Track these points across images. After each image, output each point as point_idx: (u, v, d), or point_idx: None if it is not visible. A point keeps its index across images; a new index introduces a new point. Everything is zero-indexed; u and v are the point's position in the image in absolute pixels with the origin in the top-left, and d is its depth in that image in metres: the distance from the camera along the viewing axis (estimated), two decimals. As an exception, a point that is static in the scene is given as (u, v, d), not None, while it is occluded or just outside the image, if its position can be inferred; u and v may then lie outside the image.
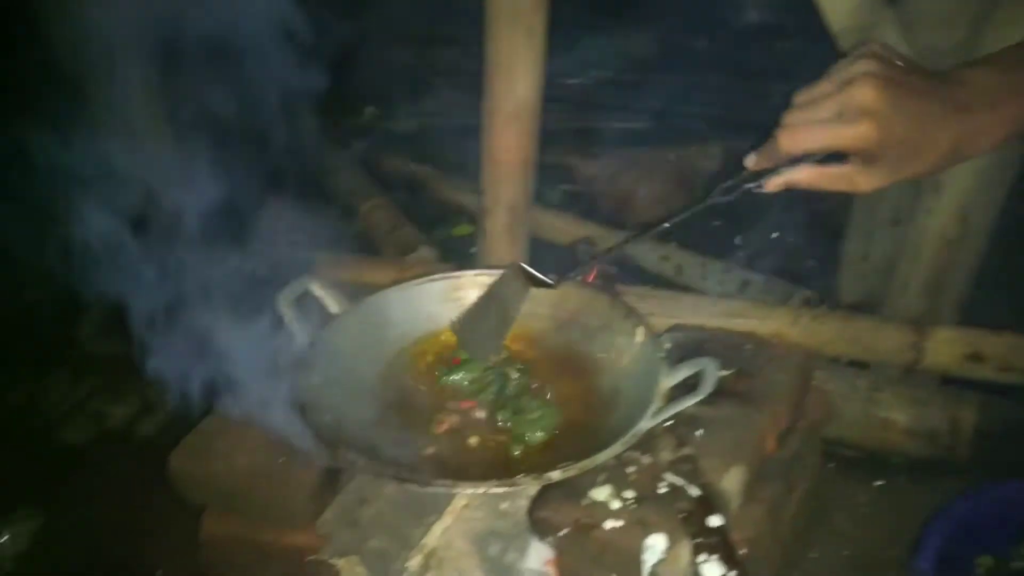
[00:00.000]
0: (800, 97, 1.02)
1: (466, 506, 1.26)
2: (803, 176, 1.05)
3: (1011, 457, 1.54)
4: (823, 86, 1.00)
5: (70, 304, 1.92)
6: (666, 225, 1.27)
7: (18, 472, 1.72)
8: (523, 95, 1.77)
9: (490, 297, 1.44)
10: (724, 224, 2.44)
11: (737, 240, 2.33)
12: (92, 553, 1.55)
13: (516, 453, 1.25)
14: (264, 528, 1.31)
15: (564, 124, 2.89)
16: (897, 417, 1.65)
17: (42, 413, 1.85)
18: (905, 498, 1.56)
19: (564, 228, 2.33)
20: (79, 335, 1.94)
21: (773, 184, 1.09)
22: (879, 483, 1.64)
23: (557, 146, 2.64)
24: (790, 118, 1.01)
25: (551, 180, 2.60)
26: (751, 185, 1.11)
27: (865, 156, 1.00)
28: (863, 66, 0.97)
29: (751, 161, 1.11)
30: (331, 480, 1.30)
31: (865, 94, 0.95)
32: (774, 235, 2.31)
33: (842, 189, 1.05)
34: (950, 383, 1.70)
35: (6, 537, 1.56)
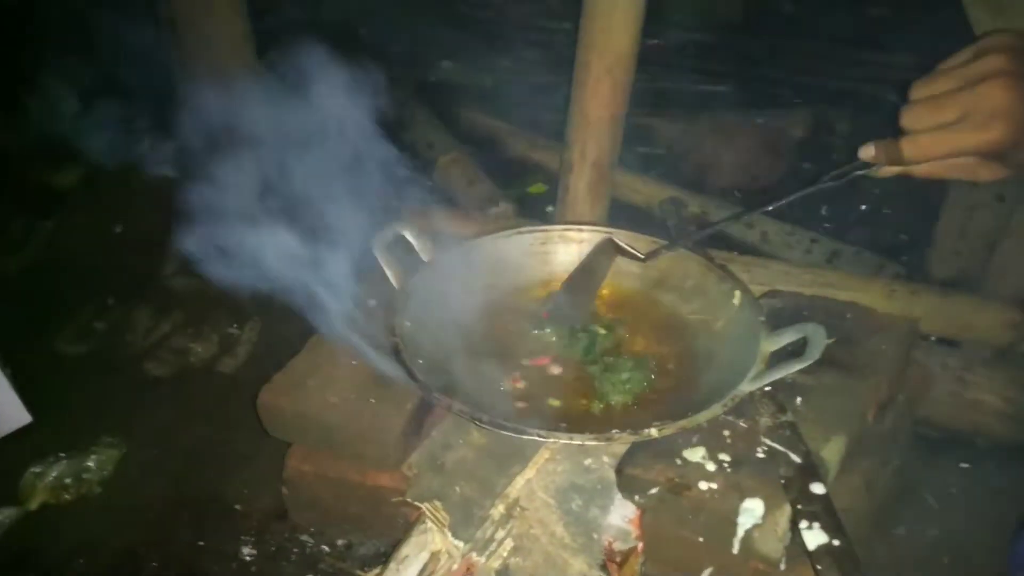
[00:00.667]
0: (919, 91, 0.93)
1: (549, 459, 1.25)
2: (922, 168, 0.99)
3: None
4: (945, 81, 0.91)
5: (155, 240, 1.95)
6: (770, 208, 1.23)
7: (102, 401, 1.76)
8: (619, 48, 1.73)
9: (580, 269, 1.45)
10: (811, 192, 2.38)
11: (823, 210, 2.26)
12: (172, 484, 1.58)
13: (596, 411, 1.24)
14: (350, 467, 1.32)
15: (644, 85, 2.82)
16: (990, 399, 1.59)
17: (126, 345, 1.89)
18: (995, 482, 1.51)
19: (644, 190, 2.28)
20: (163, 272, 1.96)
21: (888, 172, 1.03)
22: (965, 465, 1.59)
23: (637, 107, 2.59)
24: (912, 120, 0.94)
25: (630, 141, 2.55)
26: (863, 172, 1.06)
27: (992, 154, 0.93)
28: (991, 63, 0.89)
29: (868, 154, 1.03)
30: (419, 423, 1.30)
31: (995, 96, 0.87)
32: (863, 206, 2.24)
33: (961, 178, 0.99)
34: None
35: (92, 462, 1.60)
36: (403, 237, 1.42)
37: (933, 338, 1.76)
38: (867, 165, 1.04)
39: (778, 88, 2.86)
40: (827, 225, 2.21)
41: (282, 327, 1.81)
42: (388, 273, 1.35)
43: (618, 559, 1.19)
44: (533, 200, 2.47)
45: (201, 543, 1.47)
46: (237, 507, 1.53)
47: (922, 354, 1.63)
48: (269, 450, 1.53)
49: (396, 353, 1.22)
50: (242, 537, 1.46)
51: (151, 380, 1.82)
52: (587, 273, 1.44)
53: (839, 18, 3.24)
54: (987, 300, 1.64)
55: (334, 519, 1.41)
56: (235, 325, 1.89)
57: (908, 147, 0.95)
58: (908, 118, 0.94)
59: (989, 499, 1.50)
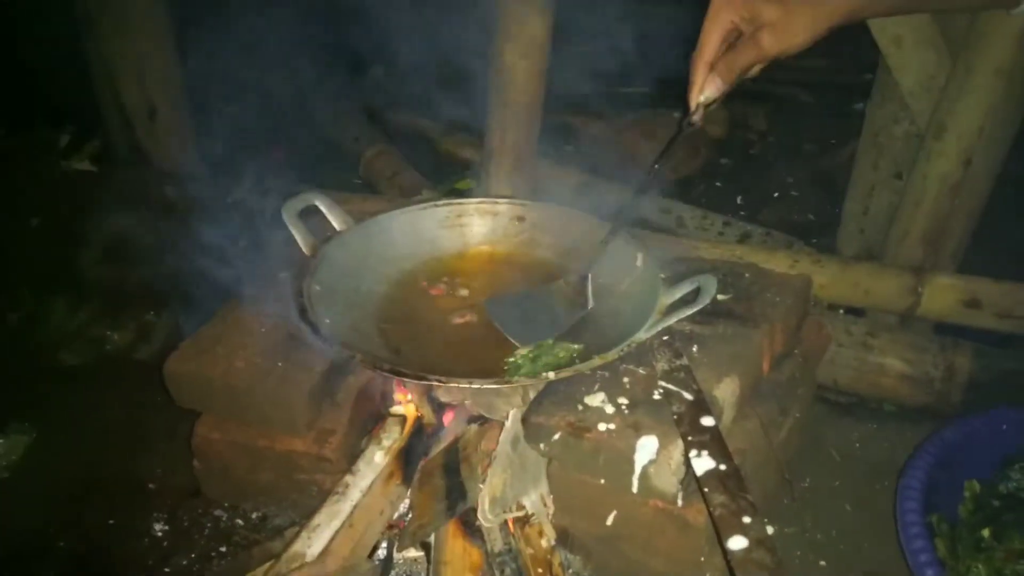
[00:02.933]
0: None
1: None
2: (714, 80, 1.11)
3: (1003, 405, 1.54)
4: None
5: (72, 230, 1.93)
6: (656, 167, 1.27)
7: (13, 390, 1.72)
8: (534, 32, 1.78)
9: (546, 295, 1.35)
10: (726, 184, 2.46)
11: (739, 199, 2.34)
12: (84, 467, 1.55)
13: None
14: (260, 433, 1.31)
15: (570, 89, 2.89)
16: (892, 363, 1.66)
17: (41, 336, 1.85)
18: (898, 438, 1.56)
19: (565, 180, 2.33)
20: (80, 262, 1.94)
21: (696, 99, 1.14)
22: (872, 426, 1.64)
23: (561, 109, 2.65)
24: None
25: (555, 140, 2.61)
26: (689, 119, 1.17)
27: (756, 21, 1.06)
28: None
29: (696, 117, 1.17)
30: (330, 388, 1.31)
31: None
32: (775, 194, 2.32)
33: (756, 59, 1.09)
34: (944, 333, 1.71)
35: (-1, 446, 1.57)
36: (315, 207, 1.43)
37: (842, 311, 1.83)
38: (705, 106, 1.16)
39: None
40: (743, 213, 2.28)
41: (200, 313, 1.80)
42: (298, 238, 1.35)
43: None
44: (461, 195, 2.49)
45: (112, 522, 1.44)
46: (150, 486, 1.51)
47: (828, 322, 1.69)
48: (184, 433, 1.51)
49: (302, 312, 1.22)
50: (155, 514, 1.44)
51: (65, 369, 1.79)
52: (548, 306, 1.34)
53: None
54: (886, 267, 1.71)
55: (247, 491, 1.40)
56: (152, 313, 1.87)
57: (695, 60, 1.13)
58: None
59: (894, 453, 1.53)
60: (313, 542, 1.17)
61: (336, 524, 1.20)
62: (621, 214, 1.36)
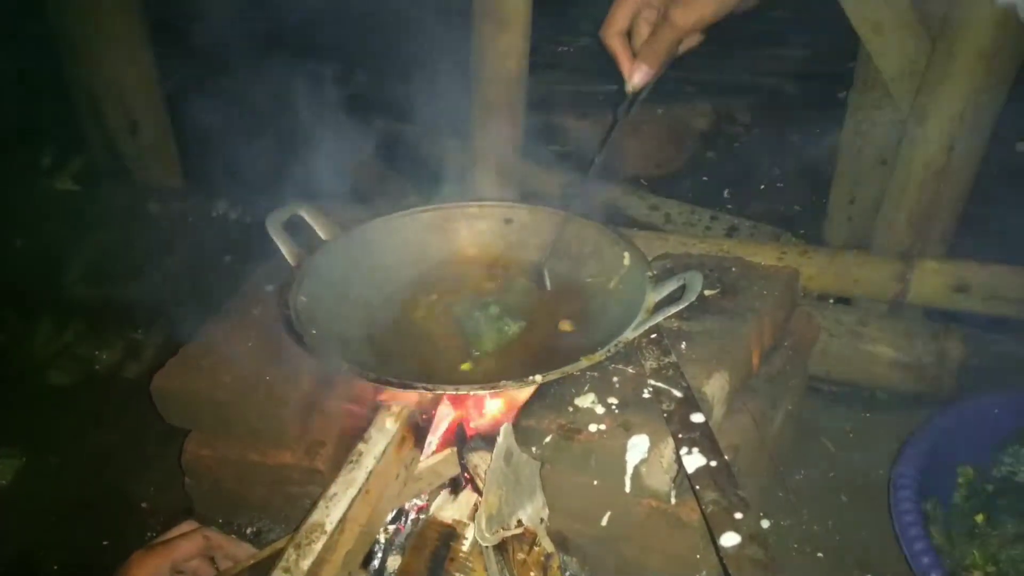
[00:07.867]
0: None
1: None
2: (641, 68, 1.14)
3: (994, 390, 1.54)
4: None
5: (56, 249, 1.92)
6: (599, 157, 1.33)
7: (1, 412, 1.71)
8: (511, 38, 1.77)
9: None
10: (712, 178, 2.46)
11: (725, 193, 2.34)
12: (75, 488, 1.55)
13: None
14: (249, 447, 1.30)
15: (556, 88, 2.89)
16: (884, 350, 1.65)
17: (28, 357, 1.84)
18: (891, 426, 1.55)
19: (552, 181, 2.32)
20: (65, 281, 1.92)
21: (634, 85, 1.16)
22: (865, 415, 1.64)
23: (549, 109, 2.65)
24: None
25: (543, 141, 2.60)
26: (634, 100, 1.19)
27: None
28: None
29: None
30: (319, 399, 1.30)
31: None
32: (762, 186, 2.32)
33: (674, 36, 1.10)
34: (935, 319, 1.71)
35: (-11, 471, 1.56)
36: (300, 217, 1.42)
37: (831, 301, 1.83)
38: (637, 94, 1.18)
39: (684, 86, 2.94)
40: (730, 206, 2.28)
41: (188, 329, 1.79)
42: (282, 250, 1.35)
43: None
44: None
45: (105, 542, 1.43)
46: (143, 505, 1.50)
47: (818, 314, 1.68)
48: (176, 452, 1.51)
49: (288, 324, 1.21)
50: (148, 534, 1.44)
51: (54, 389, 1.78)
52: None
53: (740, 21, 3.36)
54: (874, 254, 1.71)
55: (240, 506, 1.39)
56: (139, 331, 1.86)
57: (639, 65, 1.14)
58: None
59: (888, 441, 1.53)
60: (331, 511, 1.14)
61: (352, 492, 1.17)
62: (572, 205, 1.40)
